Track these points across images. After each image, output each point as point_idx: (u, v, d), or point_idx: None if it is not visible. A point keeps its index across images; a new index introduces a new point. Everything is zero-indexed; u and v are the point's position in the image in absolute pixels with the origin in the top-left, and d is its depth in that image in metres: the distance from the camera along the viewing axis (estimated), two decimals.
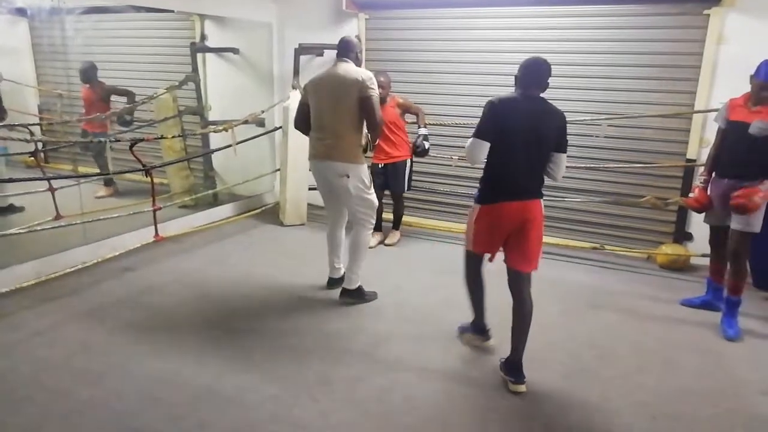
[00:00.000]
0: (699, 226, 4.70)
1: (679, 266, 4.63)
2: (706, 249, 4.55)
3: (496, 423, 2.62)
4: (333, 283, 3.99)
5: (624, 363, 3.18)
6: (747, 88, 4.17)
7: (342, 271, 3.95)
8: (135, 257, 4.53)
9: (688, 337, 3.49)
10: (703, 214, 3.75)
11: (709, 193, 3.66)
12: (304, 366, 3.04)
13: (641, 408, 2.76)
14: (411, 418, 2.63)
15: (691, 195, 3.75)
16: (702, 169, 3.82)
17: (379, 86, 4.31)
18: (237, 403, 2.71)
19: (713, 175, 3.65)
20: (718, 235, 3.72)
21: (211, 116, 6.15)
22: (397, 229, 5.16)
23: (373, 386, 2.87)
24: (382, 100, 4.47)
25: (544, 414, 2.69)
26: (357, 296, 3.78)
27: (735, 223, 3.47)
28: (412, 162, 4.92)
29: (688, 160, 4.65)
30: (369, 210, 3.69)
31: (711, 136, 4.49)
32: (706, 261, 4.56)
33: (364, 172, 3.61)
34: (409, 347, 3.26)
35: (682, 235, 4.81)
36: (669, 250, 4.68)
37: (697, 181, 3.72)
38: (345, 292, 3.78)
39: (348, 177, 3.54)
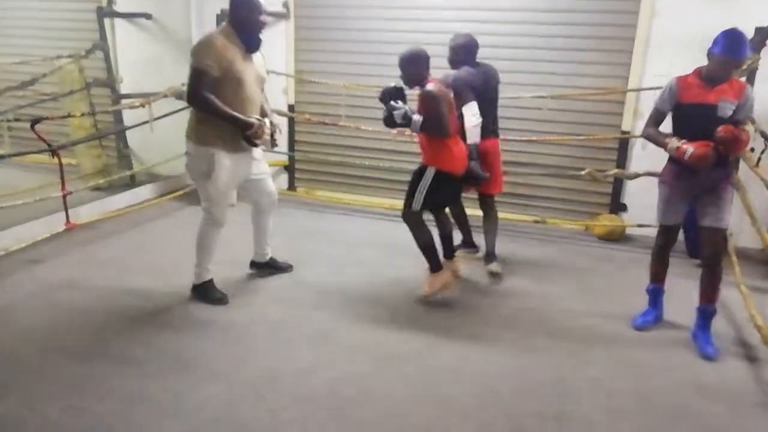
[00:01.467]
0: (633, 197, 4.84)
1: (616, 237, 4.72)
2: (640, 219, 4.70)
3: (453, 410, 2.50)
4: (253, 265, 3.76)
5: (574, 339, 3.15)
6: (680, 60, 4.26)
7: (264, 255, 3.71)
8: (44, 248, 4.04)
9: (632, 309, 3.51)
10: (662, 212, 3.15)
11: (667, 181, 3.11)
12: (248, 362, 2.79)
13: (595, 384, 2.73)
14: (366, 411, 2.47)
15: (689, 150, 2.82)
16: (650, 139, 3.10)
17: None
18: (173, 407, 2.43)
19: (670, 166, 3.09)
20: (670, 235, 3.23)
21: (124, 89, 5.62)
22: (448, 257, 3.63)
23: (324, 379, 2.68)
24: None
25: (502, 400, 2.60)
26: (199, 294, 3.36)
27: (710, 220, 2.98)
28: (437, 174, 3.35)
29: (623, 132, 4.71)
30: (205, 202, 3.23)
31: (644, 107, 4.58)
32: (641, 231, 4.71)
33: (206, 156, 3.07)
34: (358, 333, 3.09)
35: (617, 206, 4.90)
36: (606, 221, 4.75)
37: (674, 143, 2.88)
38: (193, 287, 3.39)
39: (187, 155, 3.19)
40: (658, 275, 3.33)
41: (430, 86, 3.21)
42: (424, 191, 3.33)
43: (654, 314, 3.33)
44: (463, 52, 3.67)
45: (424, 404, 2.54)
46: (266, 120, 3.18)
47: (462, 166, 3.38)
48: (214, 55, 2.92)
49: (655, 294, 3.35)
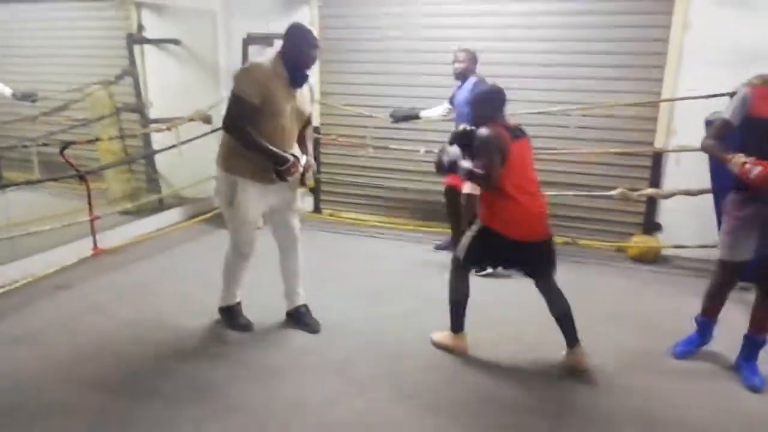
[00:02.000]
0: (667, 216, 4.67)
1: (651, 258, 4.55)
2: (676, 240, 4.53)
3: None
4: (289, 315, 3.43)
5: (608, 364, 3.01)
6: (714, 74, 4.15)
7: (292, 303, 3.39)
8: (71, 274, 4.06)
9: (669, 333, 3.34)
10: (728, 246, 2.82)
11: (731, 212, 2.80)
12: (272, 390, 2.73)
13: (636, 414, 2.59)
14: None
15: (755, 170, 2.52)
16: (710, 152, 2.82)
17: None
18: None
19: (740, 196, 2.75)
20: (735, 272, 2.89)
21: (153, 114, 5.68)
22: (572, 346, 2.95)
23: (349, 408, 2.60)
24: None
25: (535, 417, 2.49)
26: (225, 317, 3.32)
27: None
28: (484, 230, 2.89)
29: (656, 152, 4.56)
30: (231, 232, 3.15)
31: (678, 124, 4.46)
32: (677, 252, 4.54)
33: (230, 183, 2.99)
34: (382, 362, 3.00)
35: (651, 227, 4.73)
36: (640, 241, 4.59)
37: (739, 159, 2.57)
38: (219, 309, 3.34)
39: (216, 180, 3.12)
40: (712, 311, 3.05)
41: (485, 129, 2.75)
42: (467, 242, 2.92)
43: (697, 343, 3.13)
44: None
45: (454, 425, 2.43)
46: (304, 158, 3.06)
47: (524, 233, 2.78)
48: (256, 82, 2.79)
49: (705, 325, 3.09)
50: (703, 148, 2.84)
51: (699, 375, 2.96)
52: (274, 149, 2.86)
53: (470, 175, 2.81)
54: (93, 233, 4.06)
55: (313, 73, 5.35)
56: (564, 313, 2.90)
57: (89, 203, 3.98)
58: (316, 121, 5.53)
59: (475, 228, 2.91)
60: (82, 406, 2.58)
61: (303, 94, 3.03)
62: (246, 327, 3.27)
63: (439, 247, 4.76)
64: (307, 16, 5.32)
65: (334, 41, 5.37)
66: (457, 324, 3.06)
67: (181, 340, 3.18)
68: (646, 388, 2.81)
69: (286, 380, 2.82)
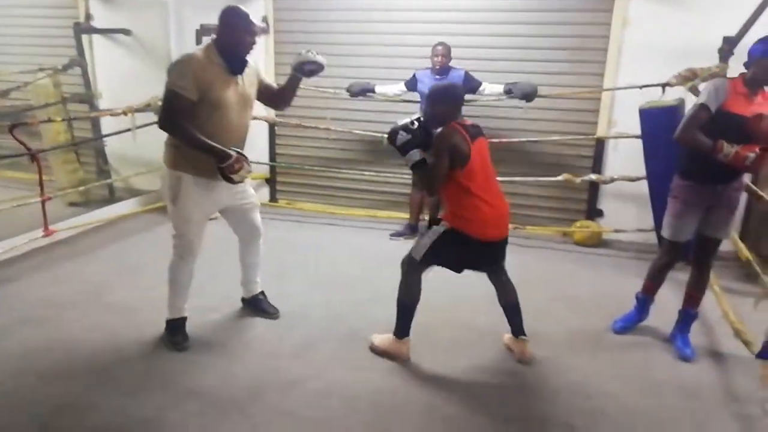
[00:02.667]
0: (608, 203, 4.93)
1: (594, 242, 4.80)
2: (616, 225, 4.79)
3: (438, 419, 2.52)
4: (243, 301, 3.45)
5: (555, 344, 3.20)
6: (652, 69, 4.39)
7: (249, 291, 3.39)
8: (20, 265, 3.98)
9: (610, 312, 3.57)
10: (674, 228, 3.01)
11: (680, 196, 2.97)
12: (231, 376, 2.79)
13: (576, 387, 2.78)
14: (351, 422, 2.47)
15: (751, 155, 2.65)
16: (694, 143, 2.79)
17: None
18: (156, 424, 2.41)
19: (688, 182, 2.94)
20: (677, 252, 3.10)
21: (103, 105, 5.57)
22: (517, 335, 3.04)
23: (308, 391, 2.68)
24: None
25: (482, 398, 2.64)
26: (166, 328, 3.08)
27: (715, 231, 2.96)
28: (449, 232, 2.78)
29: (598, 140, 4.80)
30: (174, 232, 2.94)
31: (619, 116, 4.70)
32: (617, 236, 4.80)
33: (173, 179, 2.82)
34: (340, 344, 3.09)
35: (593, 212, 4.98)
36: (583, 227, 4.83)
37: (730, 148, 2.67)
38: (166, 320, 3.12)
39: (161, 178, 2.95)
40: (652, 288, 3.28)
41: (446, 129, 2.67)
42: (429, 243, 2.78)
43: (635, 319, 3.35)
44: None
45: (408, 413, 2.55)
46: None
47: (492, 234, 2.75)
48: (191, 75, 2.62)
49: (644, 302, 3.33)
50: (683, 140, 2.81)
51: (636, 348, 3.18)
52: (215, 145, 2.67)
53: (416, 169, 2.73)
54: (44, 214, 3.97)
55: (268, 64, 5.43)
56: (512, 303, 2.96)
57: (41, 184, 3.89)
58: (272, 112, 5.56)
59: (439, 230, 2.77)
60: (38, 397, 2.57)
61: (248, 77, 2.88)
62: (178, 345, 3.00)
63: (394, 235, 4.88)
64: (261, 9, 5.32)
65: (289, 33, 5.39)
66: (401, 328, 2.92)
67: (137, 329, 3.18)
68: (588, 363, 3.00)
69: (245, 365, 2.88)
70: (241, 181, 2.85)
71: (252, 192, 3.18)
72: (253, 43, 2.80)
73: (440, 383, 2.78)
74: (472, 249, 2.76)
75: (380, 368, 2.87)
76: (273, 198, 5.84)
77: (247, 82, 2.89)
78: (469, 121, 2.78)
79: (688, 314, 3.15)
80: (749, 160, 2.65)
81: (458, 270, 2.89)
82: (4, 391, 2.61)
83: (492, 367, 2.95)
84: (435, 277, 2.95)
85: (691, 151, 2.87)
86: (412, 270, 2.86)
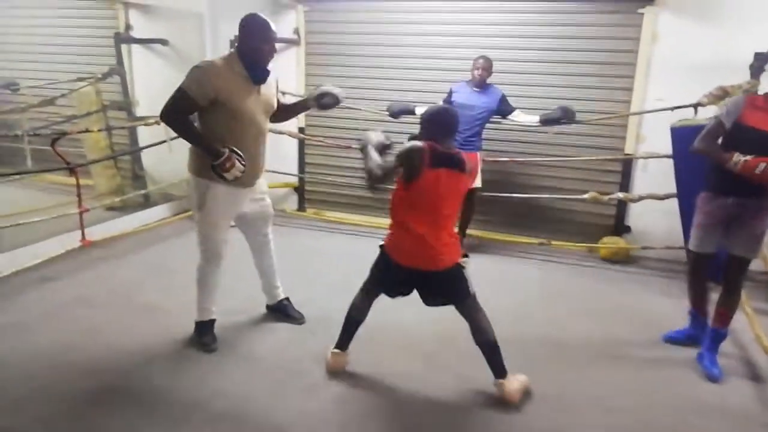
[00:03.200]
0: (636, 219, 4.89)
1: (620, 258, 4.76)
2: (644, 242, 4.75)
3: (458, 427, 2.55)
4: (268, 308, 3.54)
5: (575, 357, 3.19)
6: (681, 84, 4.38)
7: (274, 297, 3.47)
8: (59, 265, 4.15)
9: (634, 329, 3.55)
10: (696, 238, 3.09)
11: (704, 211, 3.04)
12: (255, 378, 2.86)
13: (595, 401, 2.77)
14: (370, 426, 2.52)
15: (762, 165, 2.71)
16: (707, 153, 2.94)
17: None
18: (183, 424, 2.50)
19: (709, 193, 3.02)
20: (701, 262, 3.14)
21: (139, 112, 5.76)
22: (498, 377, 2.74)
23: (331, 394, 2.74)
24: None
25: (503, 412, 2.65)
26: (196, 330, 3.18)
27: (739, 249, 2.96)
28: (382, 249, 2.81)
29: (626, 155, 4.77)
30: (200, 238, 3.02)
31: (647, 132, 4.67)
32: (645, 253, 4.76)
33: (199, 186, 2.89)
34: (363, 352, 3.14)
35: (621, 229, 4.94)
36: (610, 243, 4.79)
37: (740, 157, 2.75)
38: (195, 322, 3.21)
39: (188, 185, 3.04)
40: (695, 301, 3.29)
41: (418, 143, 2.55)
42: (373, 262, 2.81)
43: (686, 333, 3.34)
44: None
45: (427, 419, 2.58)
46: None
47: (407, 260, 2.63)
48: (205, 82, 2.68)
49: (693, 317, 3.32)
50: (698, 150, 2.96)
51: (661, 365, 3.15)
52: (210, 144, 2.72)
53: (366, 164, 2.62)
54: (82, 225, 4.14)
55: (299, 75, 5.56)
56: (484, 341, 2.70)
57: (78, 195, 4.07)
58: (301, 122, 5.69)
59: (380, 245, 2.77)
60: (70, 391, 2.68)
61: (269, 86, 2.92)
62: (206, 347, 3.08)
63: None
64: (293, 22, 5.46)
65: (319, 45, 5.52)
66: (340, 339, 2.93)
67: (167, 330, 3.28)
68: (608, 378, 3.00)
69: (270, 368, 2.95)
70: (233, 180, 2.79)
71: (269, 201, 3.24)
72: (273, 51, 2.81)
73: (459, 391, 2.81)
74: (399, 273, 2.67)
75: (400, 374, 2.91)
76: (301, 207, 5.95)
77: (270, 91, 2.95)
78: (454, 151, 2.61)
79: (716, 333, 3.11)
80: (759, 169, 2.71)
81: (389, 293, 2.81)
82: (42, 384, 2.73)
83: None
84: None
85: (713, 164, 2.95)
86: (364, 284, 2.87)
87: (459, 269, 2.66)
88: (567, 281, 4.36)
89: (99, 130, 5.00)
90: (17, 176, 4.80)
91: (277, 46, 2.93)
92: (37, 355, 2.99)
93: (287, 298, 3.50)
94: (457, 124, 2.68)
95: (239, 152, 2.77)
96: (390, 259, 2.68)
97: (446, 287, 2.69)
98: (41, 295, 3.73)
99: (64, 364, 2.91)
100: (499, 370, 2.71)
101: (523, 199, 5.01)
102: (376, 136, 2.73)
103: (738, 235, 2.96)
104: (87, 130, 4.76)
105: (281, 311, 3.47)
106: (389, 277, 2.74)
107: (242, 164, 2.77)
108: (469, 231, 4.86)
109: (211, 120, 2.78)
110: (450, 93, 4.56)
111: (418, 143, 2.55)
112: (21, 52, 6.12)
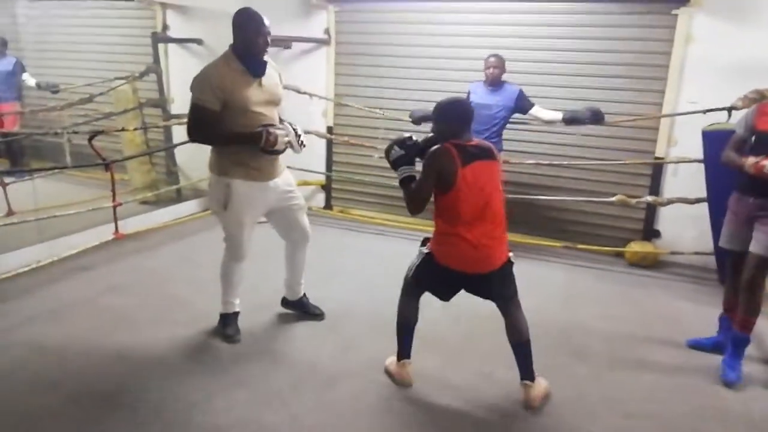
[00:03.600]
0: (666, 223, 4.80)
1: (648, 263, 4.68)
2: (673, 246, 4.67)
3: (470, 426, 2.57)
4: (284, 302, 3.55)
5: (597, 361, 3.17)
6: (715, 87, 4.29)
7: (296, 293, 3.48)
8: (94, 256, 4.32)
9: (658, 335, 3.50)
10: (723, 236, 3.18)
11: (732, 210, 3.13)
12: (274, 370, 2.93)
13: (615, 405, 2.75)
14: (386, 420, 2.56)
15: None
16: (728, 162, 3.08)
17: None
18: (204, 406, 2.58)
19: (737, 193, 3.11)
20: (737, 261, 3.14)
21: (174, 110, 5.93)
22: (524, 379, 2.71)
23: (347, 388, 2.79)
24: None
25: (520, 415, 2.65)
26: (220, 322, 3.27)
27: (755, 246, 2.96)
28: (429, 256, 2.72)
29: (657, 158, 4.70)
30: (226, 236, 3.10)
31: (679, 135, 4.59)
32: (674, 258, 4.67)
33: (222, 185, 2.94)
34: (382, 345, 3.18)
35: (650, 233, 4.86)
36: (638, 247, 4.72)
37: (752, 160, 2.88)
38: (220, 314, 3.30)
39: (209, 186, 3.11)
40: (723, 302, 3.31)
41: (436, 148, 2.52)
42: (417, 263, 2.71)
43: (713, 341, 3.29)
44: None
45: (445, 418, 2.61)
46: (286, 124, 2.97)
47: (464, 266, 2.56)
48: (211, 87, 2.73)
49: (723, 323, 3.29)
50: (723, 162, 3.15)
51: (682, 371, 3.09)
52: (243, 133, 2.81)
53: (402, 186, 2.60)
54: (115, 218, 4.29)
55: (328, 74, 5.63)
56: (521, 341, 2.67)
57: (113, 190, 4.22)
58: (329, 121, 5.76)
59: (423, 251, 2.69)
60: (103, 374, 2.81)
61: (270, 77, 2.92)
62: (230, 338, 3.17)
63: None
64: (324, 22, 5.54)
65: (349, 45, 5.58)
66: (400, 350, 2.84)
67: (193, 320, 3.39)
68: (628, 382, 2.97)
69: (290, 360, 3.02)
70: (283, 150, 2.89)
71: (299, 194, 3.23)
72: (266, 44, 2.81)
73: (473, 390, 2.82)
74: (453, 278, 2.61)
75: (417, 373, 2.94)
76: (328, 205, 6.02)
77: (272, 83, 2.95)
78: (475, 141, 2.58)
79: (734, 338, 3.06)
80: (767, 168, 2.82)
81: (443, 297, 2.75)
82: (75, 366, 2.87)
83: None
84: None
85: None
86: (405, 288, 2.79)
87: (510, 265, 2.65)
88: (592, 285, 4.31)
89: (135, 129, 5.16)
90: (56, 171, 4.97)
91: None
92: (71, 340, 3.13)
93: (305, 295, 3.53)
94: (473, 113, 2.61)
95: (272, 125, 2.86)
96: (442, 267, 2.59)
97: (498, 285, 2.64)
98: (76, 284, 3.88)
99: (96, 349, 3.04)
100: (528, 371, 2.67)
101: (549, 201, 4.97)
102: (394, 149, 2.64)
103: (757, 232, 2.97)
104: (123, 129, 4.92)
105: (301, 307, 3.50)
106: (442, 283, 2.68)
107: (281, 131, 2.85)
108: None
109: (224, 122, 2.82)
110: (468, 94, 4.57)
111: (438, 147, 2.51)
112: (62, 51, 6.35)
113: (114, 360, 2.94)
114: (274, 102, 2.98)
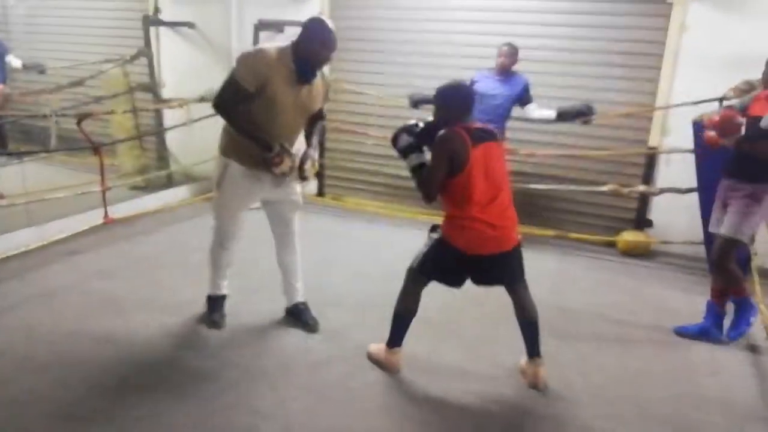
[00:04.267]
0: (659, 213, 4.81)
1: (640, 252, 4.70)
2: (665, 236, 4.68)
3: (454, 409, 2.58)
4: (288, 312, 3.36)
5: (583, 347, 3.19)
6: (709, 77, 4.28)
7: (290, 299, 3.32)
8: (83, 240, 4.28)
9: (645, 322, 3.52)
10: (711, 221, 3.28)
11: (717, 195, 3.27)
12: (264, 353, 2.93)
13: (598, 391, 2.77)
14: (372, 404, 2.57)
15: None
16: None
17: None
18: (194, 389, 2.58)
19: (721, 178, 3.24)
20: (710, 240, 3.35)
21: (166, 93, 5.87)
22: (531, 354, 2.79)
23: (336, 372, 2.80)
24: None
25: (505, 397, 2.67)
26: (207, 304, 3.26)
27: (723, 227, 3.12)
28: (441, 241, 2.68)
29: (650, 148, 4.70)
30: (214, 216, 3.11)
31: (673, 124, 4.58)
32: (666, 248, 4.69)
33: (221, 164, 2.94)
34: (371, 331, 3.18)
35: (642, 222, 4.87)
36: (630, 236, 4.73)
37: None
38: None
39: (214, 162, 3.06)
40: (711, 289, 3.37)
41: (445, 132, 2.50)
42: (425, 251, 2.69)
43: (698, 327, 3.33)
44: None
45: (427, 401, 2.62)
46: (302, 150, 2.95)
47: (480, 249, 2.56)
48: (254, 68, 2.69)
49: (707, 307, 3.36)
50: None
51: (666, 357, 3.12)
52: (260, 136, 2.75)
53: (414, 174, 2.60)
54: (104, 203, 4.26)
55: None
56: (528, 321, 2.72)
57: (102, 174, 4.18)
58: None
59: (434, 237, 2.68)
60: (91, 357, 2.80)
61: (314, 88, 2.87)
62: (214, 323, 3.16)
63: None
64: (317, 6, 5.49)
65: (343, 30, 5.51)
66: (393, 338, 2.81)
67: (183, 306, 3.37)
68: (614, 368, 2.99)
69: (280, 344, 3.03)
70: (282, 175, 2.83)
71: (298, 190, 3.15)
72: (327, 59, 2.79)
73: (460, 374, 2.83)
74: (466, 262, 2.59)
75: (405, 356, 2.94)
76: (320, 192, 6.00)
77: (312, 92, 2.87)
78: (478, 124, 2.61)
79: (710, 306, 3.30)
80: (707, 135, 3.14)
81: (454, 284, 2.72)
82: (62, 349, 2.85)
83: (517, 366, 2.96)
84: None
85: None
86: (411, 279, 2.74)
87: (520, 247, 2.69)
88: (583, 274, 4.32)
89: (124, 112, 5.11)
90: (44, 154, 4.93)
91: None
92: (60, 323, 3.12)
93: (304, 303, 3.33)
94: (474, 96, 2.61)
95: (288, 149, 2.81)
96: (456, 251, 2.57)
97: (510, 267, 2.68)
98: (65, 267, 3.86)
99: (84, 333, 3.03)
100: (536, 349, 2.73)
101: (541, 190, 4.97)
102: (402, 135, 2.63)
103: (726, 216, 3.13)
104: (111, 112, 4.87)
105: (295, 315, 3.29)
106: (454, 269, 2.66)
107: (291, 161, 2.81)
108: None
109: (251, 106, 2.75)
110: (472, 82, 4.53)
111: (447, 131, 2.49)
112: (52, 33, 6.28)
113: (102, 344, 2.92)
114: (307, 111, 2.92)
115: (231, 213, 3.03)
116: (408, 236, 4.92)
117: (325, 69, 2.97)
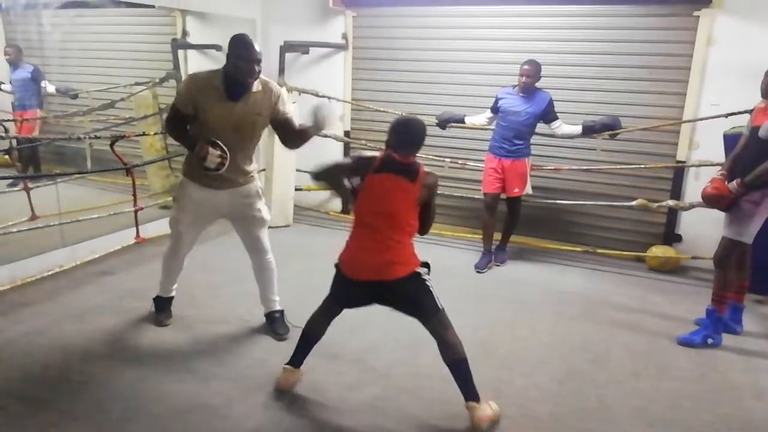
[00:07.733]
0: (688, 227, 4.73)
1: (670, 268, 4.62)
2: (695, 251, 4.60)
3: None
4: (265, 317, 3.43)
5: (618, 367, 3.13)
6: (736, 89, 4.23)
7: (271, 306, 3.39)
8: (115, 260, 4.37)
9: (677, 332, 3.45)
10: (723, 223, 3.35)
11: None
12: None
13: (638, 413, 2.71)
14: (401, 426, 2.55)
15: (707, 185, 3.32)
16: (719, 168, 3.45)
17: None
18: (223, 414, 2.60)
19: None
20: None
21: None
22: (468, 400, 2.55)
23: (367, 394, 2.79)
24: None
25: (540, 419, 2.63)
26: (154, 304, 3.49)
27: (725, 230, 3.29)
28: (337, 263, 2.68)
29: (678, 162, 4.64)
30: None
31: (701, 138, 4.53)
32: (696, 263, 4.61)
33: (181, 183, 3.19)
34: (399, 351, 3.18)
35: (671, 237, 4.80)
36: (659, 252, 4.65)
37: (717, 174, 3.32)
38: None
39: None
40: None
41: (374, 154, 2.60)
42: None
43: (702, 333, 3.38)
44: None
45: (461, 420, 2.59)
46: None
47: (353, 272, 2.54)
48: (188, 93, 2.89)
49: (707, 313, 3.41)
50: None
51: (706, 379, 3.05)
52: (185, 137, 2.98)
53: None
54: (136, 223, 4.34)
55: (346, 79, 5.65)
56: (455, 360, 2.50)
57: (134, 195, 4.27)
58: (347, 126, 5.78)
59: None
60: (123, 377, 2.84)
61: (253, 102, 2.93)
62: (161, 323, 3.39)
63: (479, 269, 4.54)
64: (342, 27, 5.56)
65: (366, 49, 5.59)
66: (293, 357, 2.79)
67: (211, 324, 3.42)
68: (652, 389, 2.93)
69: (310, 365, 3.02)
70: (214, 169, 2.91)
71: (260, 206, 3.19)
72: (251, 71, 2.83)
73: (495, 395, 2.79)
74: (343, 283, 2.60)
75: (440, 377, 2.92)
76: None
77: (250, 107, 2.93)
78: (409, 159, 2.55)
79: (708, 312, 3.38)
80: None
81: (339, 304, 2.69)
82: (97, 367, 2.90)
83: (552, 387, 2.93)
84: None
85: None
86: (324, 300, 2.73)
87: (418, 280, 2.53)
88: (612, 290, 4.26)
89: (154, 134, 5.23)
90: (78, 176, 5.05)
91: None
92: (94, 343, 3.18)
93: (280, 311, 3.39)
94: (418, 135, 2.57)
95: (220, 143, 2.91)
96: (341, 274, 2.60)
97: (404, 300, 2.55)
98: (97, 288, 3.94)
99: (117, 352, 3.09)
100: (470, 391, 2.51)
101: (569, 205, 4.93)
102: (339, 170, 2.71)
103: (730, 218, 3.26)
104: (144, 134, 4.98)
105: (268, 322, 3.38)
106: (342, 292, 2.65)
107: (219, 152, 2.90)
108: (512, 238, 4.83)
109: (199, 125, 2.95)
110: (496, 99, 4.54)
111: (370, 153, 2.64)
112: (86, 58, 6.45)
113: (133, 365, 2.97)
114: (243, 126, 2.96)
115: (181, 225, 3.18)
116: (430, 251, 4.92)
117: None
